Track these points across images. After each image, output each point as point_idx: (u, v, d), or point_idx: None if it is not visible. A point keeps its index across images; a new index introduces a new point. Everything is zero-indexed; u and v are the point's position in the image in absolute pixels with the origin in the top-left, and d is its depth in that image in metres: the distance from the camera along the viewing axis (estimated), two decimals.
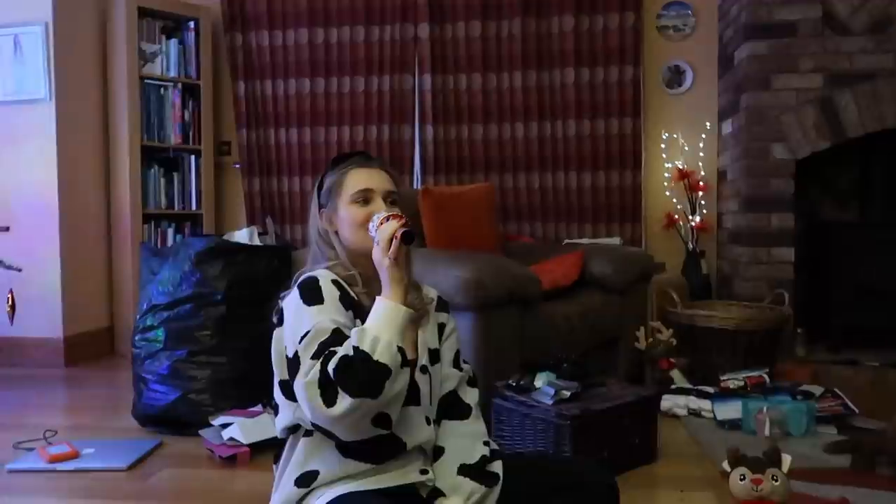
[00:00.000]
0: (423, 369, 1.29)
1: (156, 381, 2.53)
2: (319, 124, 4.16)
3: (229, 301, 2.54)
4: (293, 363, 1.19)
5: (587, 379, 2.18)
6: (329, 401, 1.10)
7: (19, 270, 3.19)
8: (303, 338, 1.18)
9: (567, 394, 2.05)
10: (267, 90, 4.20)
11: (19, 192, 3.67)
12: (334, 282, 1.28)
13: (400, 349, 1.15)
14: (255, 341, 2.56)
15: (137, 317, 2.66)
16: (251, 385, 2.50)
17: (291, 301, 1.26)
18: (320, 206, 1.39)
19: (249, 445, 2.22)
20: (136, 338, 2.63)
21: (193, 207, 4.15)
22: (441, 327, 1.41)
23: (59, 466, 2.15)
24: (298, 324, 1.21)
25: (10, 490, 2.03)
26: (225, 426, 2.30)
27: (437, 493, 1.27)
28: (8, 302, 3.44)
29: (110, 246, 3.99)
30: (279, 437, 1.32)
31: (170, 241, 4.04)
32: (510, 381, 2.17)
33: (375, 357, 1.11)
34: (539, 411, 2.04)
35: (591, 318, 2.76)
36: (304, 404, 1.14)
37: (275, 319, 1.31)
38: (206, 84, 4.14)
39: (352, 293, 1.29)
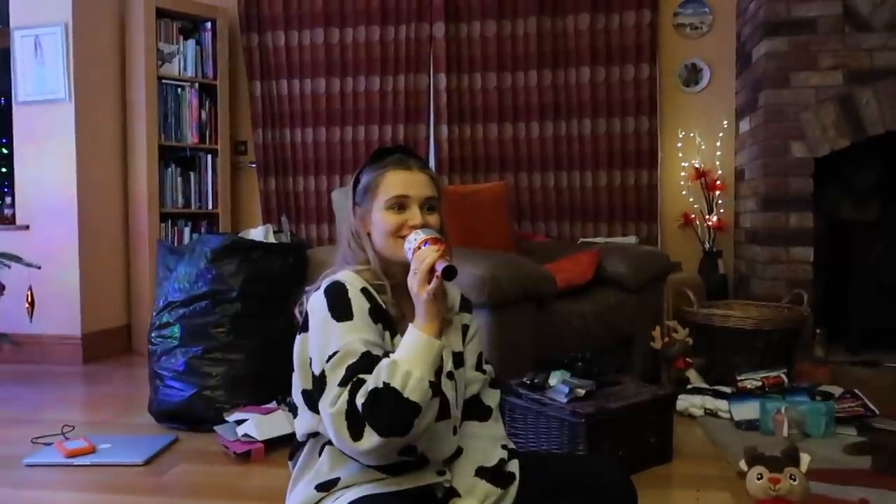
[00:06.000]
0: (450, 375, 1.23)
1: (171, 377, 2.54)
2: (335, 124, 4.17)
3: (244, 298, 2.55)
4: (318, 382, 1.16)
5: (602, 377, 2.17)
6: (356, 435, 1.09)
7: (38, 268, 3.23)
8: (330, 357, 1.15)
9: (582, 392, 2.04)
10: (283, 90, 4.22)
11: (39, 192, 3.71)
12: (363, 290, 1.22)
13: (431, 384, 1.12)
14: (269, 339, 2.57)
15: (154, 314, 2.68)
16: (266, 382, 2.52)
17: (318, 308, 1.21)
18: (355, 204, 1.32)
19: (264, 442, 2.23)
20: (153, 335, 2.64)
21: (210, 206, 4.18)
22: (465, 329, 1.36)
23: (76, 461, 2.17)
24: (326, 340, 1.17)
25: (28, 484, 2.05)
26: (240, 422, 2.31)
27: (453, 492, 1.26)
28: (27, 299, 3.49)
29: (128, 245, 4.02)
30: (298, 439, 1.30)
31: (186, 240, 4.06)
32: (525, 379, 2.15)
33: (406, 394, 1.09)
34: (553, 409, 2.02)
35: (607, 317, 2.74)
36: (331, 433, 1.13)
37: (299, 320, 1.26)
38: (222, 84, 4.16)
39: (380, 301, 1.24)
